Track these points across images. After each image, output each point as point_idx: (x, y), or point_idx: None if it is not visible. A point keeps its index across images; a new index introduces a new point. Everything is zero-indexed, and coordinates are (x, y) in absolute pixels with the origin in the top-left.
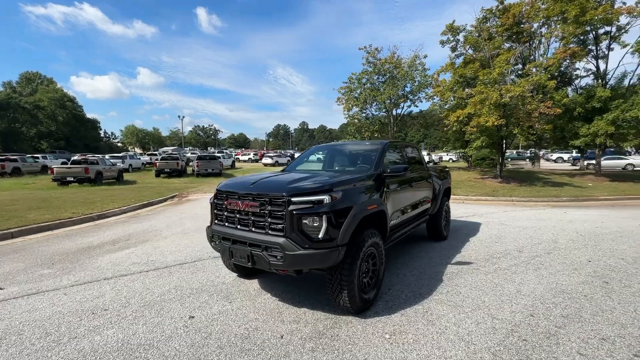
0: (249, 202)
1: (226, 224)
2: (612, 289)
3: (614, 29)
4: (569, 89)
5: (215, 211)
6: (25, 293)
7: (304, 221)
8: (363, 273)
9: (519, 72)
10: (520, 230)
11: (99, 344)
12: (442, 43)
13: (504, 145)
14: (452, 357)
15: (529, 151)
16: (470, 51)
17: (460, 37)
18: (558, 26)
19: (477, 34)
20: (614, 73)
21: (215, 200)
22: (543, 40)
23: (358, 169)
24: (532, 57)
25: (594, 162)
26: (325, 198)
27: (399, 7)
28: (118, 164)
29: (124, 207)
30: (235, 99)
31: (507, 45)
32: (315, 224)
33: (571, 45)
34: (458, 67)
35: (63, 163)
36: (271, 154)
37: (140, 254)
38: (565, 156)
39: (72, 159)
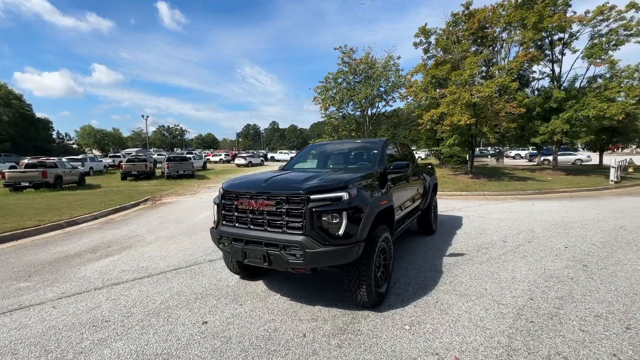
0: (263, 201)
1: (237, 224)
2: (592, 272)
3: (566, 36)
4: (528, 90)
5: (223, 212)
6: (6, 309)
7: (324, 218)
8: (376, 267)
9: (483, 74)
10: (499, 222)
11: (111, 358)
12: (416, 45)
13: (474, 143)
14: (472, 343)
15: (488, 148)
16: (441, 53)
17: (432, 39)
18: (518, 32)
19: (445, 37)
20: (567, 76)
21: (223, 201)
22: (504, 44)
23: (360, 166)
24: (494, 60)
25: (549, 158)
26: (344, 195)
27: (364, 9)
28: (78, 167)
29: (95, 213)
30: (202, 98)
31: (474, 48)
32: (335, 221)
33: (531, 50)
34: (430, 68)
35: (12, 167)
36: (244, 155)
37: (127, 261)
38: (523, 153)
39: (26, 162)
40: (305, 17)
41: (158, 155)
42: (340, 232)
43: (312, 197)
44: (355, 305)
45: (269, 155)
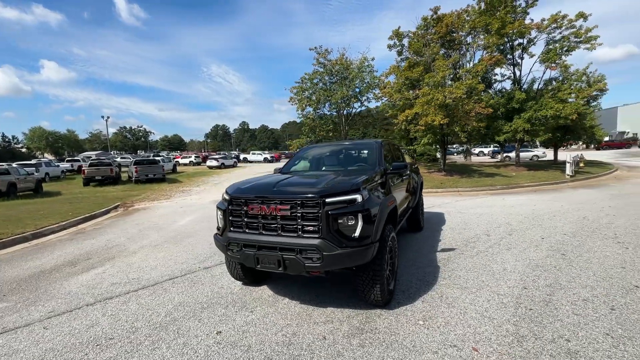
0: (276, 205)
1: (247, 230)
2: (571, 260)
3: (525, 41)
4: (490, 91)
5: (231, 218)
6: None
7: (340, 221)
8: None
9: (451, 76)
10: (478, 216)
11: None
12: (390, 47)
13: (446, 142)
14: (484, 333)
15: (454, 146)
16: (414, 55)
17: (405, 42)
18: (482, 36)
19: (416, 40)
20: (526, 78)
21: (230, 207)
22: (470, 48)
23: (359, 168)
24: (460, 62)
25: (511, 154)
26: (358, 197)
27: (332, 9)
28: (33, 173)
29: (63, 223)
30: (165, 97)
31: (442, 51)
32: (350, 223)
33: (495, 54)
34: (403, 69)
35: None
36: (216, 156)
37: (114, 272)
38: (486, 150)
39: None
40: (272, 15)
41: (122, 158)
42: (356, 234)
43: (327, 200)
44: (365, 304)
45: (241, 156)
